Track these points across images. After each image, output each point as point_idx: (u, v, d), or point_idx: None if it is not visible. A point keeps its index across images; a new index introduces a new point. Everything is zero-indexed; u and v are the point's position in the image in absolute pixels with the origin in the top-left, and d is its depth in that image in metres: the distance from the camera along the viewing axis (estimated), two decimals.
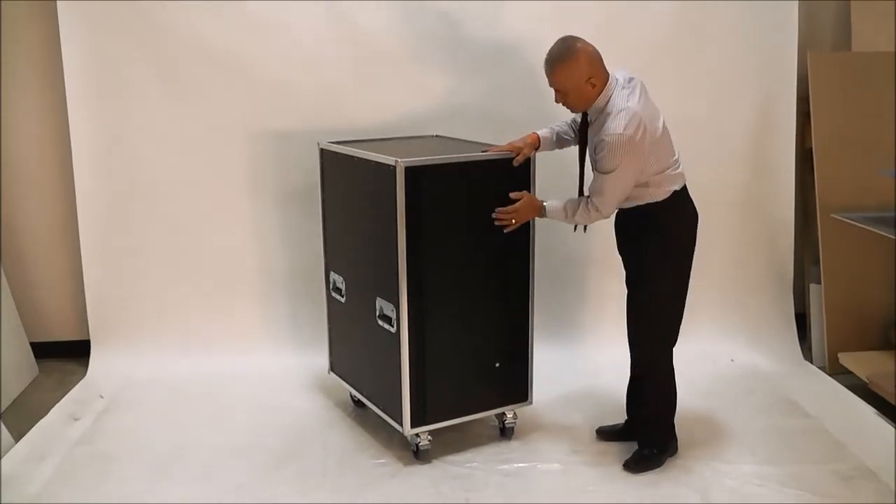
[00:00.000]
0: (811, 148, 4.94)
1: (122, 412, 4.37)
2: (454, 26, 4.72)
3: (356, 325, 4.03)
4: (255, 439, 4.03)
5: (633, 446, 3.83)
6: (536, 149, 3.74)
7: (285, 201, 4.87)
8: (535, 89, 4.78)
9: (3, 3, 4.70)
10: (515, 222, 3.66)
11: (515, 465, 3.77)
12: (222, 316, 4.94)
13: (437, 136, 4.47)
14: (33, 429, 4.15)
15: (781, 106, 4.91)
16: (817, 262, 4.93)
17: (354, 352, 4.14)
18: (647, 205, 3.51)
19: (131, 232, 4.85)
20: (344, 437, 4.05)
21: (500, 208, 3.63)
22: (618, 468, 3.73)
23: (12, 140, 4.89)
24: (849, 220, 4.55)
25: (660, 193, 3.50)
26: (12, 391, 4.60)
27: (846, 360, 4.71)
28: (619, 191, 3.42)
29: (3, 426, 3.96)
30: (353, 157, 3.84)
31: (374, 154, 3.67)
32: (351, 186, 3.95)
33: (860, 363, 4.64)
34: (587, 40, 3.40)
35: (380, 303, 3.75)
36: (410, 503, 3.50)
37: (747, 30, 4.83)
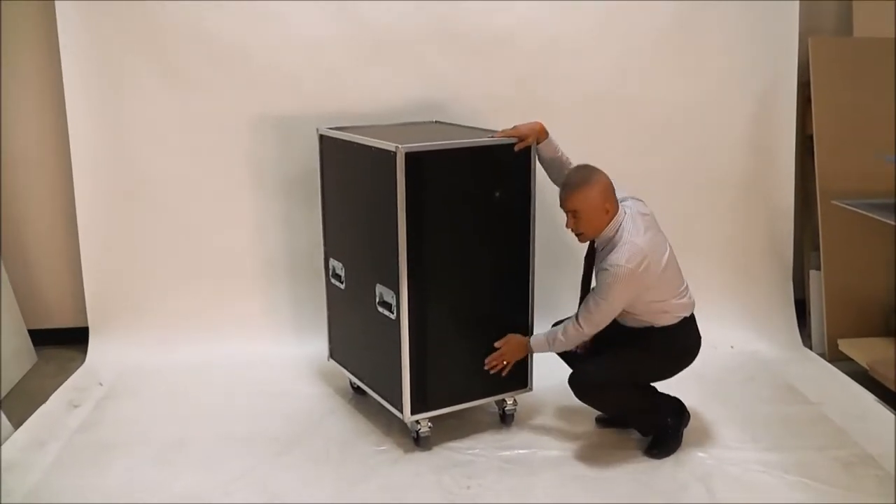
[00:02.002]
0: (811, 134, 4.93)
1: (122, 399, 4.37)
2: (455, 12, 4.69)
3: (356, 312, 4.02)
4: (255, 427, 4.03)
5: (634, 431, 3.86)
6: (540, 140, 3.72)
7: (285, 188, 4.85)
8: (535, 76, 4.79)
9: (4, 3, 4.68)
10: (508, 364, 3.80)
11: (516, 451, 3.77)
12: (221, 302, 4.93)
13: (437, 121, 4.46)
14: (32, 416, 4.14)
15: (782, 92, 4.90)
16: (817, 249, 4.93)
17: (354, 339, 4.13)
18: (658, 328, 3.62)
19: (130, 219, 4.84)
20: (344, 424, 4.05)
21: (488, 357, 3.79)
22: (618, 454, 3.73)
23: (11, 128, 4.87)
24: (849, 207, 4.54)
25: (669, 318, 3.61)
26: (11, 378, 4.59)
27: (846, 346, 4.71)
28: (608, 316, 3.54)
29: (2, 413, 3.95)
30: (352, 143, 3.82)
31: (374, 140, 3.65)
32: (351, 173, 3.94)
33: (860, 350, 4.64)
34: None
35: (380, 289, 3.74)
36: (411, 490, 3.49)
37: (748, 15, 4.81)
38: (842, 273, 4.85)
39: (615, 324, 3.62)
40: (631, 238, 3.44)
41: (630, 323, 3.63)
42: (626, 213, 3.54)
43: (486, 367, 3.78)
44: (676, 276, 3.63)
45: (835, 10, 5.14)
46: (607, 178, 3.51)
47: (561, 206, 3.53)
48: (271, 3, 4.63)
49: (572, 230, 3.55)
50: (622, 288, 3.42)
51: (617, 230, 3.49)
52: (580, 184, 3.46)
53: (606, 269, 3.42)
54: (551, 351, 3.75)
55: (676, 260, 3.62)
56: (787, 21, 4.82)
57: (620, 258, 3.40)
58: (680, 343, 3.68)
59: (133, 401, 4.35)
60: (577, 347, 3.76)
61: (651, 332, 3.62)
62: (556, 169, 3.77)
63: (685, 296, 3.65)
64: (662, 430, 3.77)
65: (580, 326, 3.56)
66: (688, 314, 3.66)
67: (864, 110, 4.85)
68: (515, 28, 4.74)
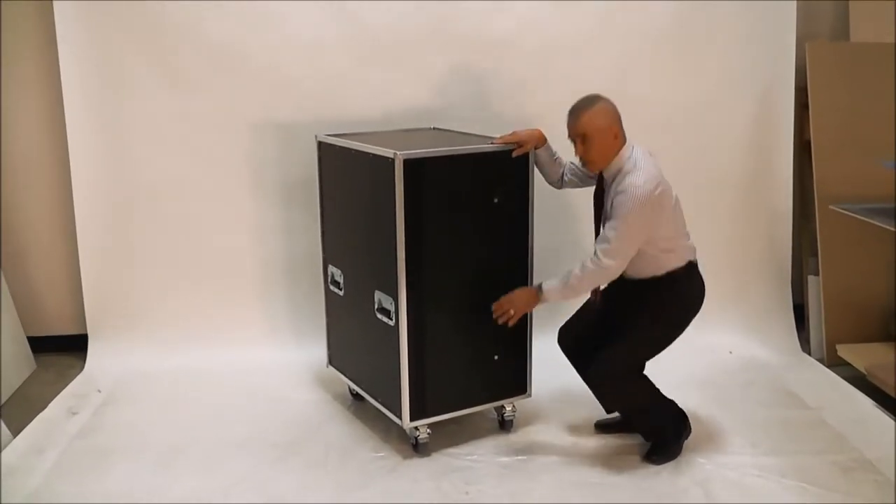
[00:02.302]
0: (809, 139, 4.93)
1: (121, 406, 4.37)
2: (454, 15, 4.70)
3: (355, 319, 4.02)
4: (254, 433, 4.03)
5: (633, 437, 3.86)
6: (538, 147, 3.73)
7: (284, 194, 4.86)
8: (535, 82, 4.80)
9: (3, 2, 4.68)
10: (515, 314, 3.63)
11: (515, 457, 3.77)
12: (220, 309, 4.93)
13: (435, 128, 4.46)
14: (32, 423, 4.14)
15: (780, 97, 4.91)
16: (815, 254, 4.93)
17: (353, 345, 4.14)
18: (666, 275, 3.55)
19: (129, 225, 4.84)
20: (343, 430, 4.05)
21: (495, 303, 3.65)
22: (618, 460, 3.73)
23: (10, 134, 4.88)
24: (847, 212, 4.54)
25: (678, 260, 3.56)
26: (10, 385, 4.59)
27: (845, 351, 4.71)
28: (627, 243, 3.41)
29: (1, 420, 3.95)
30: (351, 149, 3.83)
31: (372, 146, 3.66)
32: (349, 179, 3.94)
33: (859, 355, 4.64)
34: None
35: (378, 296, 3.74)
36: (410, 496, 3.49)
37: (746, 20, 4.83)
38: (840, 278, 4.86)
39: (618, 291, 3.62)
40: (644, 165, 3.40)
41: (636, 272, 3.55)
42: (633, 146, 3.50)
43: (493, 316, 3.65)
44: (682, 217, 3.60)
45: (832, 15, 5.16)
46: (614, 104, 3.49)
47: (569, 134, 3.50)
48: (271, 5, 4.63)
49: (581, 158, 3.52)
50: (640, 211, 3.33)
51: (627, 160, 3.45)
52: (587, 106, 3.44)
53: (623, 192, 3.34)
54: (565, 299, 3.62)
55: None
56: (784, 26, 4.83)
57: (637, 180, 3.34)
58: (687, 289, 3.63)
59: (132, 407, 4.35)
60: (591, 296, 3.70)
61: (658, 283, 3.56)
62: (552, 171, 3.82)
63: (689, 238, 3.63)
64: (664, 435, 3.77)
65: (598, 260, 3.42)
66: (693, 258, 3.63)
67: (861, 115, 4.86)
68: (514, 30, 4.75)
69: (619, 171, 3.45)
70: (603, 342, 3.64)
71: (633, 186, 3.33)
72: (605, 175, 3.53)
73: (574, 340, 3.84)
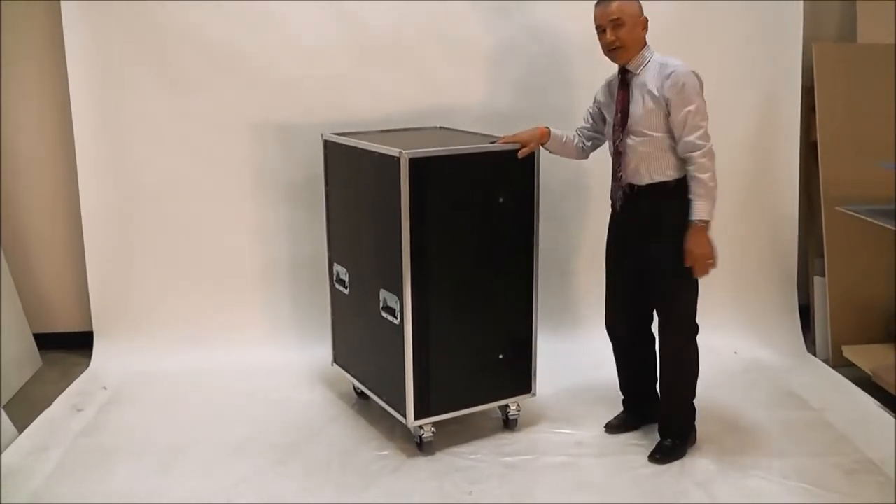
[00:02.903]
0: (815, 141, 4.93)
1: (126, 404, 4.38)
2: (458, 18, 4.71)
3: (359, 317, 4.03)
4: (259, 432, 4.03)
5: (638, 437, 3.87)
6: (543, 144, 3.74)
7: (288, 194, 4.86)
8: (539, 81, 4.80)
9: (10, 4, 4.69)
10: (711, 260, 3.49)
11: (519, 457, 3.77)
12: (225, 307, 4.94)
13: (441, 127, 4.46)
14: (36, 420, 4.15)
15: (786, 98, 4.90)
16: (821, 255, 4.92)
17: (358, 344, 4.14)
18: (676, 183, 3.52)
19: (134, 223, 4.85)
20: (347, 429, 4.06)
21: (694, 269, 3.49)
22: (622, 459, 3.73)
23: (16, 132, 4.89)
24: (853, 213, 4.53)
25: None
26: (15, 382, 4.60)
27: (850, 352, 4.71)
28: (705, 117, 3.45)
29: (3, 416, 3.95)
30: (357, 148, 3.83)
31: (378, 146, 3.66)
32: (355, 178, 3.95)
33: (864, 356, 4.63)
34: None
35: (383, 294, 3.74)
36: (414, 495, 3.49)
37: (752, 21, 4.82)
38: (846, 279, 4.85)
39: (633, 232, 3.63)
40: (674, 58, 3.48)
41: (653, 170, 3.51)
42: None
43: (698, 276, 3.51)
44: None
45: (839, 17, 5.15)
46: None
47: (599, 22, 3.49)
48: (275, 8, 4.64)
49: (610, 43, 3.47)
50: (696, 82, 3.43)
51: (654, 52, 3.52)
52: None
53: (672, 73, 3.41)
54: (713, 205, 3.46)
55: None
56: (790, 27, 4.83)
57: (675, 61, 3.45)
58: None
59: (136, 406, 4.36)
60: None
61: (671, 199, 3.51)
62: (569, 152, 3.85)
63: None
64: (684, 435, 3.76)
65: (703, 146, 3.41)
66: None
67: (867, 117, 4.85)
68: (519, 33, 4.75)
69: (647, 61, 3.50)
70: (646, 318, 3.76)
71: (678, 66, 3.42)
72: (630, 67, 3.52)
73: (623, 320, 3.85)
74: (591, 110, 3.82)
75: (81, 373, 4.74)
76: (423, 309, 3.62)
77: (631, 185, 3.58)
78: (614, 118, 3.59)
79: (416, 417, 3.71)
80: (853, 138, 4.85)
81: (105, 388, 4.52)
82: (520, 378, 3.93)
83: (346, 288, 4.12)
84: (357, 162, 3.85)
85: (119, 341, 4.88)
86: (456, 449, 3.83)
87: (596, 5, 3.50)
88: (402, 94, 4.76)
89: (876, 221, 4.38)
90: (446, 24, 4.72)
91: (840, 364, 4.75)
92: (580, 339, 4.89)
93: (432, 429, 3.78)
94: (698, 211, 3.43)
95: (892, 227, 4.28)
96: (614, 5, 3.43)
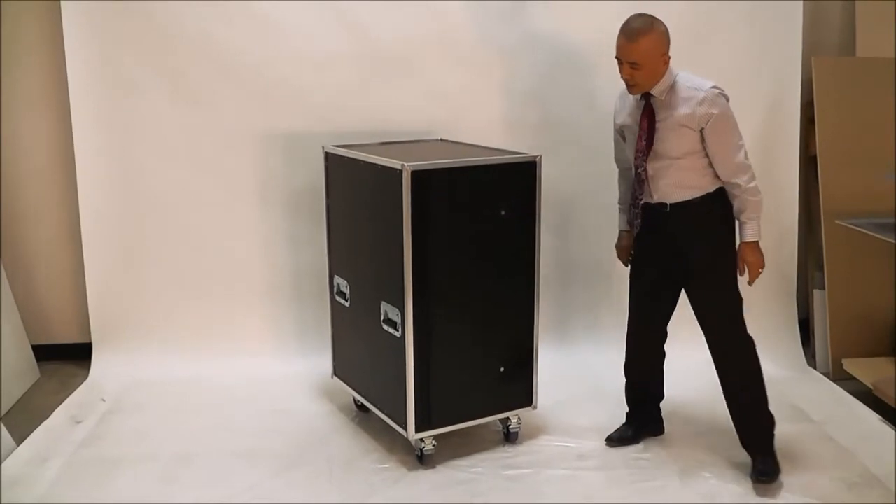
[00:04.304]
0: (815, 154, 4.93)
1: (125, 415, 4.36)
2: (461, 29, 4.71)
3: (360, 330, 4.02)
4: (259, 444, 4.02)
5: (640, 450, 3.87)
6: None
7: (290, 205, 4.86)
8: (541, 92, 4.81)
9: (10, 12, 4.69)
10: (761, 269, 3.61)
11: (520, 470, 3.76)
12: (225, 319, 4.93)
13: (442, 139, 4.47)
14: (35, 432, 4.13)
15: (786, 111, 4.91)
16: (821, 268, 4.93)
17: (358, 356, 4.13)
18: (705, 197, 3.53)
19: (134, 234, 4.84)
20: (347, 441, 4.04)
21: (746, 277, 3.62)
22: (623, 472, 3.72)
23: (15, 143, 4.88)
24: (853, 226, 4.54)
25: (714, 181, 3.56)
26: (14, 394, 4.59)
27: (850, 366, 4.71)
28: (741, 151, 3.48)
29: (2, 427, 3.94)
30: (358, 160, 3.83)
31: (380, 158, 3.66)
32: (356, 190, 3.95)
33: (864, 369, 4.63)
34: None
35: (385, 307, 3.74)
36: None
37: (751, 34, 4.83)
38: (846, 292, 4.85)
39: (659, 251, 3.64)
40: (693, 75, 3.47)
41: (677, 187, 3.53)
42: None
43: (750, 283, 3.63)
44: None
45: (838, 30, 5.16)
46: (665, 27, 3.43)
47: (620, 52, 3.42)
48: (280, 19, 4.65)
49: (626, 80, 3.46)
50: (726, 106, 3.42)
51: (677, 74, 3.47)
52: (644, 32, 3.36)
53: (703, 101, 3.39)
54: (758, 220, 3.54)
55: None
56: (790, 41, 4.84)
57: (704, 84, 3.43)
58: (726, 208, 3.58)
59: (136, 416, 4.34)
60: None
61: (699, 211, 3.54)
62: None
63: None
64: (771, 433, 3.69)
65: (745, 175, 3.47)
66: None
67: (867, 130, 4.87)
68: (521, 40, 4.76)
69: (672, 87, 3.46)
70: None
71: (707, 90, 3.40)
72: (654, 92, 3.47)
73: (648, 334, 3.88)
74: (615, 137, 3.82)
75: (80, 384, 4.72)
76: (425, 322, 3.61)
77: (662, 204, 3.58)
78: (637, 144, 3.56)
79: (417, 430, 3.70)
80: (853, 151, 4.86)
81: (104, 400, 4.50)
82: (521, 391, 3.92)
83: (346, 300, 4.11)
84: (359, 174, 3.85)
85: (118, 352, 4.86)
86: (457, 462, 3.82)
87: (620, 32, 3.42)
88: (407, 105, 4.76)
89: (876, 235, 4.39)
90: (452, 36, 4.72)
91: (840, 377, 4.75)
92: (581, 352, 4.90)
93: (433, 441, 3.76)
94: (751, 233, 3.53)
95: (893, 241, 4.29)
96: (636, 48, 3.36)
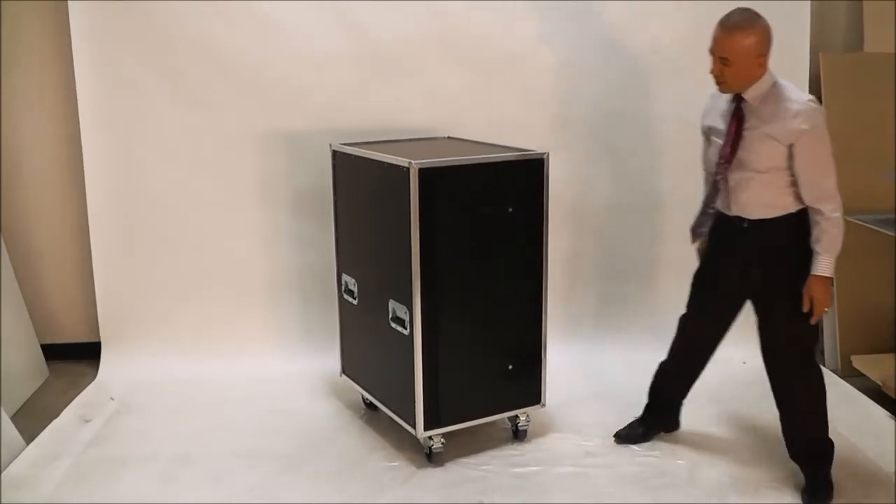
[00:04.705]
0: None
1: (134, 414, 4.37)
2: (467, 29, 4.71)
3: (368, 328, 4.02)
4: (267, 442, 4.02)
5: (651, 445, 3.88)
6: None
7: (296, 204, 4.86)
8: (548, 91, 4.80)
9: (11, 12, 4.70)
10: (826, 307, 3.34)
11: (529, 468, 3.76)
12: (233, 318, 4.93)
13: (449, 137, 4.46)
14: (44, 431, 4.14)
15: None
16: None
17: (366, 354, 4.13)
18: (800, 212, 3.34)
19: (142, 234, 4.85)
20: (356, 439, 4.05)
21: (809, 314, 3.33)
22: (631, 470, 3.72)
23: (24, 142, 4.89)
24: (860, 222, 4.53)
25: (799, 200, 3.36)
26: (23, 393, 4.60)
27: (859, 362, 4.70)
28: (831, 166, 3.23)
29: (3, 424, 3.94)
30: (365, 158, 3.83)
31: (387, 156, 3.66)
32: (363, 188, 3.94)
33: (873, 366, 4.62)
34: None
35: (393, 305, 3.74)
36: None
37: None
38: (854, 289, 4.84)
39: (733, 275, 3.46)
40: (791, 86, 3.23)
41: (764, 204, 3.31)
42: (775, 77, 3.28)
43: (813, 322, 3.35)
44: None
45: (846, 27, 5.15)
46: (769, 27, 3.20)
47: (713, 45, 3.23)
48: (284, 19, 4.64)
49: (715, 75, 3.28)
50: (821, 126, 3.19)
51: (773, 86, 3.24)
52: (744, 27, 3.16)
53: (796, 116, 3.15)
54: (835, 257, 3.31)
55: None
56: (797, 37, 4.82)
57: (802, 95, 3.20)
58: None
59: (144, 416, 4.35)
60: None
61: (781, 228, 3.33)
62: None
63: None
64: (827, 468, 3.55)
65: (830, 204, 3.24)
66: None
67: (875, 126, 4.85)
68: (526, 42, 4.75)
69: (766, 94, 3.24)
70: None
71: (805, 103, 3.18)
72: (746, 97, 3.27)
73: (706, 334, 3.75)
74: (704, 149, 3.59)
75: (89, 383, 4.73)
76: (433, 319, 3.61)
77: (740, 219, 3.40)
78: (722, 149, 3.36)
79: (426, 428, 3.70)
80: (860, 147, 4.84)
81: (112, 399, 4.52)
82: (529, 388, 3.92)
83: (354, 298, 4.11)
84: (366, 172, 3.85)
85: (127, 351, 4.87)
86: (465, 460, 3.82)
87: (718, 24, 3.24)
88: (411, 105, 4.75)
89: (884, 231, 4.38)
90: (455, 35, 4.72)
91: (849, 374, 4.74)
92: (589, 349, 4.90)
93: (442, 439, 3.76)
94: (823, 267, 3.28)
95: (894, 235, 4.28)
96: (729, 43, 3.18)
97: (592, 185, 4.85)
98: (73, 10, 4.57)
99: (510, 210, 3.68)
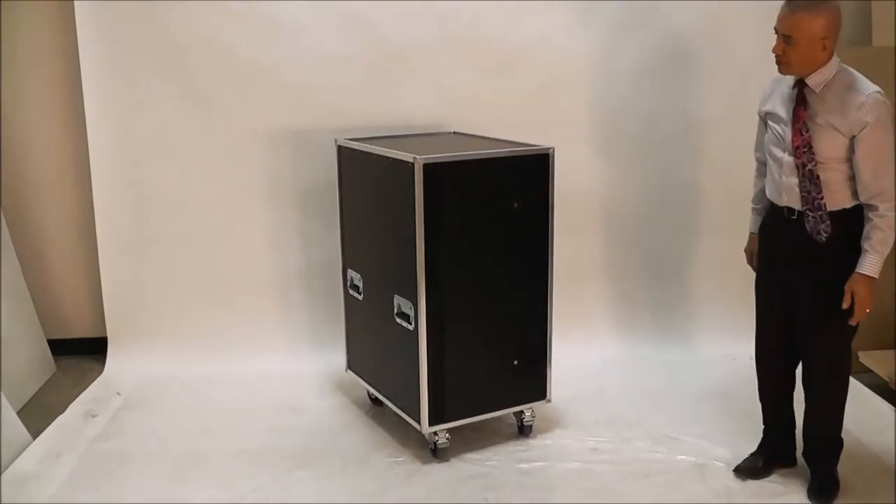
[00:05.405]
0: None
1: (140, 410, 4.38)
2: (473, 26, 4.70)
3: (374, 323, 4.02)
4: (273, 438, 4.03)
5: (657, 448, 3.85)
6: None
7: (302, 199, 4.86)
8: (553, 88, 4.78)
9: (14, 14, 4.71)
10: (869, 308, 3.20)
11: (534, 463, 3.76)
12: (239, 314, 4.93)
13: (455, 132, 4.46)
14: (50, 426, 4.15)
15: None
16: None
17: (372, 350, 4.13)
18: (855, 208, 3.20)
19: (149, 230, 4.85)
20: (361, 435, 4.05)
21: (849, 313, 3.20)
22: (637, 466, 3.71)
23: (32, 142, 4.90)
24: None
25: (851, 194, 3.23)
26: (30, 388, 4.61)
27: (867, 358, 4.67)
28: (893, 168, 3.06)
29: (10, 419, 3.95)
30: (371, 153, 3.83)
31: (392, 151, 3.66)
32: (369, 183, 3.94)
33: (881, 362, 4.59)
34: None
35: (398, 300, 3.73)
36: (429, 502, 3.48)
37: (768, 27, 4.78)
38: None
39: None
40: (859, 76, 3.10)
41: (829, 203, 3.16)
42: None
43: (853, 322, 3.22)
44: None
45: (853, 20, 5.11)
46: (839, 11, 3.09)
47: (778, 23, 3.10)
48: (289, 17, 4.64)
49: (777, 56, 3.14)
50: (886, 118, 3.03)
51: (840, 70, 3.13)
52: (805, 7, 3.03)
53: (861, 106, 3.03)
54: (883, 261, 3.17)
55: None
56: None
57: (868, 86, 3.07)
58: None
59: (150, 412, 4.36)
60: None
61: (842, 225, 3.19)
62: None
63: None
64: (834, 468, 3.54)
65: (887, 203, 3.08)
66: None
67: None
68: (532, 39, 4.74)
69: (831, 80, 3.12)
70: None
71: (872, 93, 3.06)
72: (810, 83, 3.14)
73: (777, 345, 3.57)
74: (758, 126, 3.52)
75: (95, 379, 4.74)
76: (438, 315, 3.61)
77: (790, 210, 3.28)
78: (795, 138, 3.20)
79: (431, 424, 3.70)
80: None
81: (119, 394, 4.52)
82: (535, 384, 3.91)
83: (360, 294, 4.11)
84: (371, 167, 3.85)
85: (133, 348, 4.88)
86: (471, 455, 3.82)
87: (784, 3, 3.12)
88: (419, 102, 4.75)
89: None
90: (461, 31, 4.70)
91: (857, 370, 4.68)
92: (595, 344, 4.89)
93: (447, 435, 3.76)
94: (870, 266, 3.15)
95: None
96: (794, 21, 3.05)
97: (600, 180, 4.83)
98: (80, 10, 4.57)
99: (516, 205, 3.67)
